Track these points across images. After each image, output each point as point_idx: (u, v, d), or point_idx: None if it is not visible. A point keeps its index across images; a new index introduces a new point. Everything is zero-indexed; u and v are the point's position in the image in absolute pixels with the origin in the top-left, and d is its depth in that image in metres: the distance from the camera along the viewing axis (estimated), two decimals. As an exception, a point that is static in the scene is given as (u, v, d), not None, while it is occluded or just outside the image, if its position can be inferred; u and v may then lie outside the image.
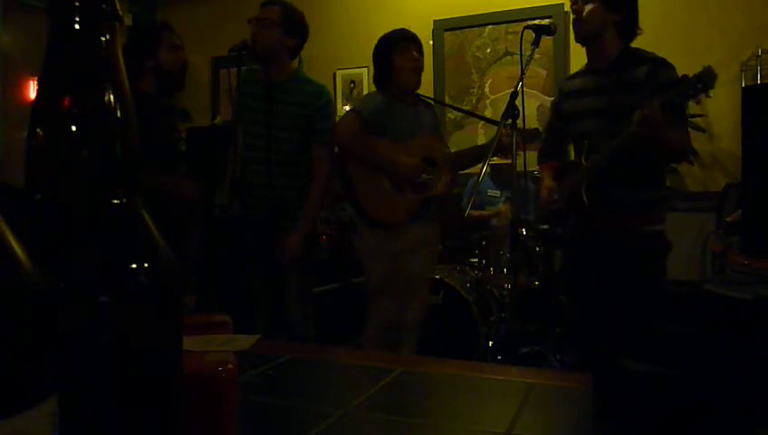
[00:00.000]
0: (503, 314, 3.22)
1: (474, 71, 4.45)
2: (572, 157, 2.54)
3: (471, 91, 4.46)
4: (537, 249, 3.35)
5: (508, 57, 4.32)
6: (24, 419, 0.23)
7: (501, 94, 4.30)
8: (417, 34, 2.66)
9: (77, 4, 0.33)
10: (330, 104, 2.63)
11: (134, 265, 0.32)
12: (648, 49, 2.25)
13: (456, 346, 3.09)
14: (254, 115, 2.54)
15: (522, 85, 2.32)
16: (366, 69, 4.62)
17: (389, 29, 2.67)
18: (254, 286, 2.61)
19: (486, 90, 4.42)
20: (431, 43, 4.44)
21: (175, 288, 0.35)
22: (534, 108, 4.19)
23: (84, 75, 0.33)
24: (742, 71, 3.59)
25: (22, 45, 4.26)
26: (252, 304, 2.59)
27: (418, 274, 2.60)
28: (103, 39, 0.33)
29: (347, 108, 4.50)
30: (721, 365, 0.63)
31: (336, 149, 2.57)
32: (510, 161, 2.48)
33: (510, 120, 2.33)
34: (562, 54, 4.18)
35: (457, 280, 3.22)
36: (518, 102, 2.32)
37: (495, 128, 2.47)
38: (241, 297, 2.66)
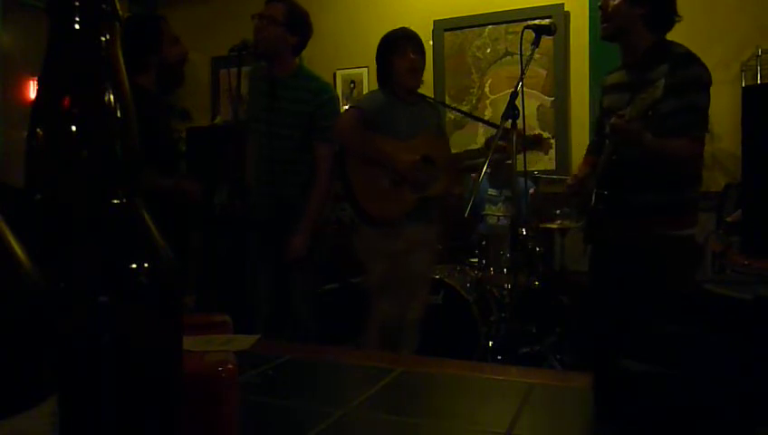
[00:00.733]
0: (503, 314, 3.22)
1: (474, 71, 4.45)
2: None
3: (471, 91, 4.46)
4: (537, 249, 3.36)
5: (508, 57, 4.32)
6: (24, 419, 0.23)
7: (501, 94, 4.30)
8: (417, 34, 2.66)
9: (77, 4, 0.33)
10: (332, 101, 2.62)
11: (134, 265, 0.32)
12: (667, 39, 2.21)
13: (456, 346, 3.09)
14: (257, 112, 2.54)
15: (522, 85, 2.32)
16: (366, 69, 4.62)
17: (389, 29, 2.67)
18: (256, 286, 2.62)
19: (486, 90, 4.42)
20: (431, 43, 4.44)
21: (175, 288, 0.35)
22: (534, 108, 4.19)
23: (84, 75, 0.33)
24: (742, 71, 3.59)
25: (22, 45, 4.26)
26: (253, 303, 2.59)
27: (418, 274, 2.60)
28: (103, 39, 0.33)
29: (347, 108, 4.51)
30: (721, 365, 0.63)
31: (336, 146, 2.57)
32: (510, 161, 2.48)
33: (510, 121, 2.32)
34: (562, 54, 4.18)
35: (457, 280, 3.22)
36: (518, 102, 2.32)
37: (495, 128, 2.47)
38: (241, 297, 2.66)
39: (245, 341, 0.59)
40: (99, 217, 0.33)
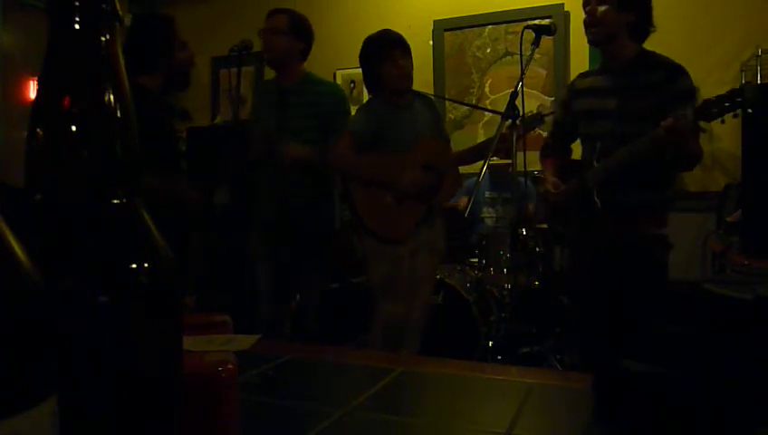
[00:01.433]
0: (503, 314, 3.22)
1: (474, 71, 4.45)
2: (575, 155, 2.53)
3: (471, 91, 4.46)
4: (537, 249, 3.35)
5: (508, 57, 4.32)
6: (23, 419, 0.23)
7: (501, 94, 4.30)
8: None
9: (77, 4, 0.33)
10: (344, 102, 2.65)
11: (134, 265, 0.32)
12: (648, 49, 2.25)
13: (456, 346, 3.09)
14: (268, 124, 2.55)
15: (522, 85, 2.32)
16: (366, 69, 4.63)
17: (390, 29, 2.66)
18: (257, 286, 2.61)
19: (486, 90, 4.42)
20: (431, 43, 4.45)
21: (175, 288, 0.35)
22: (534, 108, 4.17)
23: (84, 75, 0.33)
24: (742, 71, 3.59)
25: (22, 45, 4.26)
26: (255, 304, 2.59)
27: (422, 275, 2.60)
28: (103, 39, 0.33)
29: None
30: (721, 365, 0.63)
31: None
32: (510, 161, 2.48)
33: (510, 121, 2.32)
34: (562, 54, 4.18)
35: (457, 280, 3.22)
36: (518, 102, 2.32)
37: (495, 128, 2.47)
38: (241, 297, 2.67)
39: (245, 341, 0.59)
40: (99, 217, 0.33)
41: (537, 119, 2.71)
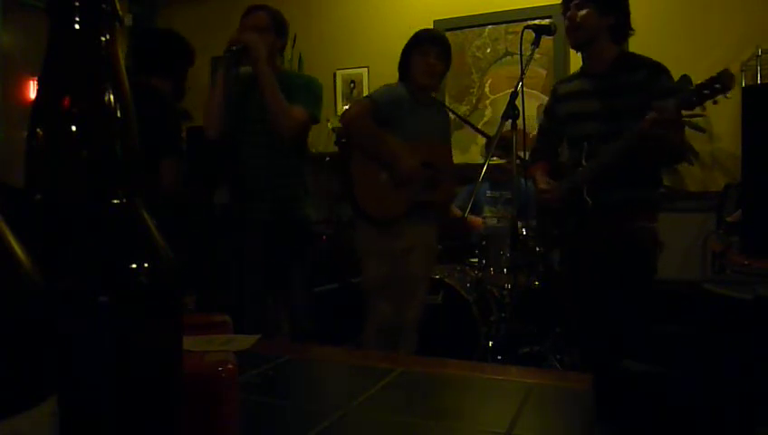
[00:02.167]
0: (503, 314, 3.22)
1: (474, 71, 4.45)
2: (562, 158, 2.56)
3: (471, 91, 4.46)
4: (537, 249, 3.35)
5: (508, 57, 4.32)
6: (23, 419, 0.23)
7: (501, 94, 4.30)
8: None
9: (77, 4, 0.33)
10: (315, 88, 2.57)
11: (134, 265, 0.32)
12: (649, 49, 2.26)
13: (456, 346, 3.09)
14: (247, 124, 2.51)
15: (522, 85, 2.32)
16: (366, 69, 4.62)
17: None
18: (254, 287, 2.60)
19: (486, 90, 4.42)
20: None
21: (175, 288, 0.35)
22: (534, 108, 4.18)
23: (84, 75, 0.33)
24: (742, 71, 3.59)
25: (22, 45, 4.26)
26: (250, 304, 2.58)
27: (417, 274, 2.60)
28: (103, 39, 0.33)
29: (347, 108, 4.50)
30: (721, 365, 0.63)
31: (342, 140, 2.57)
32: (510, 160, 2.48)
33: (510, 120, 2.33)
34: (562, 54, 4.18)
35: (457, 280, 3.22)
36: (518, 102, 2.32)
37: (495, 129, 2.47)
38: (240, 297, 2.66)
39: (245, 341, 0.59)
40: (99, 217, 0.33)
41: None
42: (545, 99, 4.21)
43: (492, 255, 3.39)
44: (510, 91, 2.37)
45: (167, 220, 0.42)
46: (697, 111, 2.16)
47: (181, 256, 0.35)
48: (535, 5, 4.16)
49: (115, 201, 0.34)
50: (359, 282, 2.79)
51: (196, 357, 0.50)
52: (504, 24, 4.30)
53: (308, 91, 2.53)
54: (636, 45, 2.62)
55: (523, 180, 2.76)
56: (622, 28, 2.25)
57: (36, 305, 0.25)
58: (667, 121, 2.03)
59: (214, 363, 0.48)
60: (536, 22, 2.71)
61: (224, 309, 0.67)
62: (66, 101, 0.33)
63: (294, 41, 4.73)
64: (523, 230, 3.22)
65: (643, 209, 2.24)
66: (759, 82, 3.46)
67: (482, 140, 4.27)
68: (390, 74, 2.76)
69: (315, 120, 2.54)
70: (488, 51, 4.40)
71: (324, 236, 4.01)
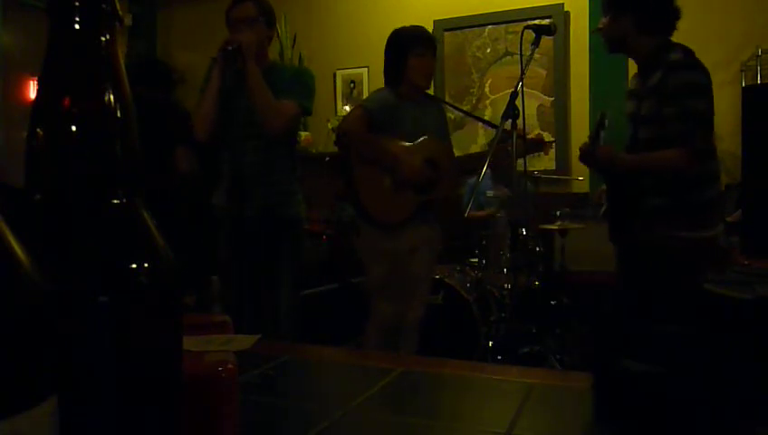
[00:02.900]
0: (503, 314, 3.22)
1: (474, 71, 4.45)
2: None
3: (471, 91, 4.46)
4: (537, 249, 3.35)
5: (508, 57, 4.32)
6: (23, 419, 0.23)
7: (501, 94, 4.31)
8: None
9: (77, 4, 0.33)
10: (306, 79, 2.55)
11: (134, 265, 0.32)
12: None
13: (456, 346, 3.09)
14: (237, 118, 2.49)
15: (522, 85, 2.32)
16: (366, 69, 4.62)
17: (390, 29, 2.66)
18: (245, 286, 2.58)
19: (486, 90, 4.43)
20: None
21: (175, 288, 0.35)
22: (534, 108, 4.19)
23: (84, 75, 0.33)
24: (742, 71, 3.59)
25: (22, 45, 4.26)
26: (241, 303, 2.57)
27: (418, 274, 2.60)
28: (103, 39, 0.33)
29: (347, 108, 4.51)
30: (721, 365, 0.63)
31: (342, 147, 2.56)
32: (508, 161, 2.48)
33: (510, 121, 2.32)
34: (562, 54, 4.18)
35: (457, 280, 3.22)
36: (518, 102, 2.32)
37: (494, 128, 2.47)
38: (240, 297, 2.65)
39: (245, 341, 0.59)
40: (99, 217, 0.33)
41: (539, 144, 2.72)
42: (545, 99, 4.24)
43: (492, 255, 3.39)
44: (510, 91, 2.37)
45: (167, 220, 0.42)
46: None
47: (181, 257, 0.35)
48: (535, 5, 4.16)
49: (115, 201, 0.34)
50: (359, 282, 2.79)
51: (196, 357, 0.50)
52: (504, 24, 4.30)
53: (299, 83, 2.52)
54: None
55: (523, 181, 2.76)
56: (651, 20, 2.13)
57: (36, 305, 0.25)
58: (584, 155, 2.08)
59: (214, 363, 0.48)
60: (536, 22, 2.71)
61: (224, 309, 0.67)
62: (66, 101, 0.33)
63: (294, 41, 4.74)
64: (523, 230, 3.23)
65: (674, 217, 2.10)
66: (759, 82, 3.46)
67: (482, 140, 4.28)
68: (391, 74, 2.75)
69: (307, 111, 2.52)
70: (488, 51, 4.40)
71: (324, 236, 4.01)
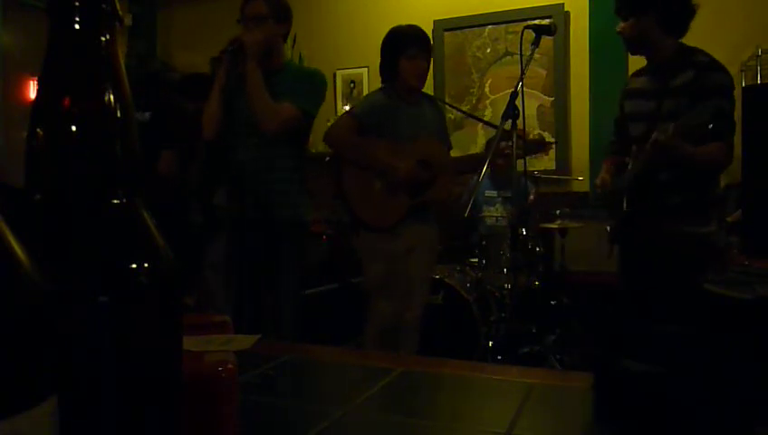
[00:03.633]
0: (503, 314, 3.22)
1: (474, 71, 4.45)
2: None
3: (471, 91, 4.46)
4: (537, 249, 3.35)
5: (508, 57, 4.32)
6: (23, 419, 0.23)
7: (501, 94, 4.30)
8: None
9: (77, 4, 0.33)
10: (317, 82, 2.54)
11: (134, 265, 0.32)
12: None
13: (456, 346, 3.09)
14: (244, 116, 2.48)
15: (522, 85, 2.32)
16: (366, 69, 4.62)
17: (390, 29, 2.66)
18: (245, 286, 2.58)
19: (486, 90, 4.42)
20: (431, 43, 4.45)
21: (175, 288, 0.35)
22: (534, 108, 4.19)
23: (84, 75, 0.33)
24: (742, 71, 3.58)
25: (22, 45, 4.26)
26: (241, 303, 2.56)
27: (417, 274, 2.59)
28: (103, 39, 0.33)
29: (347, 108, 4.50)
30: (721, 365, 0.63)
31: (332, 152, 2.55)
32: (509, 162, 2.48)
33: (510, 121, 2.32)
34: (562, 54, 4.18)
35: (457, 280, 3.22)
36: (518, 102, 2.32)
37: (494, 128, 2.47)
38: (240, 297, 2.65)
39: (245, 341, 0.59)
40: (99, 217, 0.33)
41: (540, 144, 2.71)
42: (545, 99, 4.24)
43: (492, 255, 3.39)
44: (510, 91, 2.37)
45: (167, 220, 0.42)
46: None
47: (181, 257, 0.35)
48: (535, 5, 4.16)
49: (115, 201, 0.34)
50: (359, 282, 2.79)
51: (196, 357, 0.50)
52: (504, 24, 4.30)
53: (309, 85, 2.51)
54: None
55: (523, 180, 2.76)
56: (671, 20, 2.16)
57: (36, 305, 0.25)
58: (664, 145, 2.01)
59: (214, 363, 0.48)
60: (536, 22, 2.71)
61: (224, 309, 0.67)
62: (66, 101, 0.33)
63: (294, 41, 4.73)
64: (523, 230, 3.22)
65: (689, 213, 2.16)
66: (759, 81, 3.46)
67: (482, 140, 4.27)
68: (391, 74, 2.75)
69: (308, 114, 2.49)
70: (488, 51, 4.40)
71: (324, 236, 4.01)
